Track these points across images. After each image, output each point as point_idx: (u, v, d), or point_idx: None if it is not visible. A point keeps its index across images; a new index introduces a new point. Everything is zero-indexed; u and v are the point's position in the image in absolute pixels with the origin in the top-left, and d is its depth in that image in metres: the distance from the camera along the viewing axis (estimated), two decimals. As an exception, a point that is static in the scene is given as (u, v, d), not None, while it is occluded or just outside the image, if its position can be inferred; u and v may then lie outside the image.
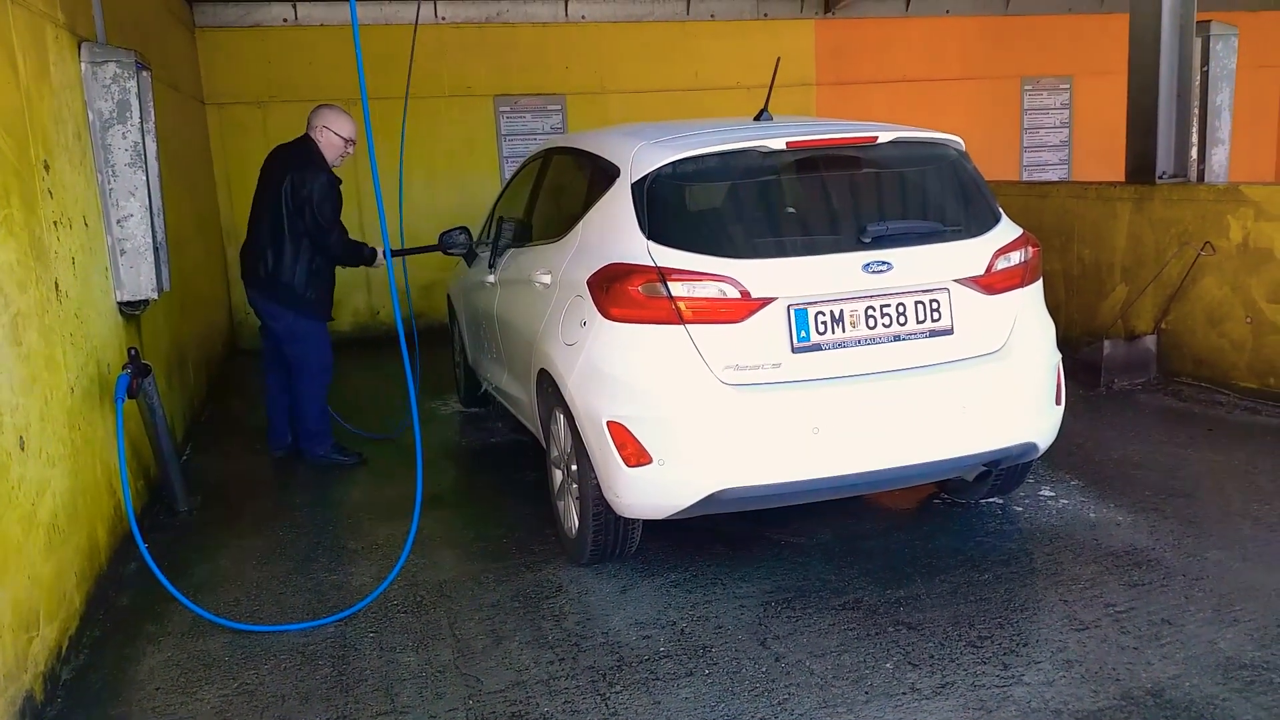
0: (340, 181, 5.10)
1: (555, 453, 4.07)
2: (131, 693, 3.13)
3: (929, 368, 3.54)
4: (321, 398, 5.29)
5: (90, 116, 4.23)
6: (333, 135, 5.11)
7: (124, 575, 3.97)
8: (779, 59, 4.47)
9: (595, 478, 3.61)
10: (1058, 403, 3.89)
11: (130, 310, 4.54)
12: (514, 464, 5.30)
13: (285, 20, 8.82)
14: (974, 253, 3.67)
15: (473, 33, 9.27)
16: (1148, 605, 3.36)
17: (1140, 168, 6.52)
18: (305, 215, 4.96)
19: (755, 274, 3.41)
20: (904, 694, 2.90)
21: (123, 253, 4.39)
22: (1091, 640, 3.15)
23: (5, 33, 3.30)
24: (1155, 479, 4.57)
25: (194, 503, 4.76)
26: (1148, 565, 3.67)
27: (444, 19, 9.15)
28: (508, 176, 9.30)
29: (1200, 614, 3.29)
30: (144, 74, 4.47)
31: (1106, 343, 6.27)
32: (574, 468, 3.80)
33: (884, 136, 3.77)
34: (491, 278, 5.07)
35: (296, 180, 4.94)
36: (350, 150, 5.22)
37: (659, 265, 3.44)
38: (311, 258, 5.07)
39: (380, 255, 5.22)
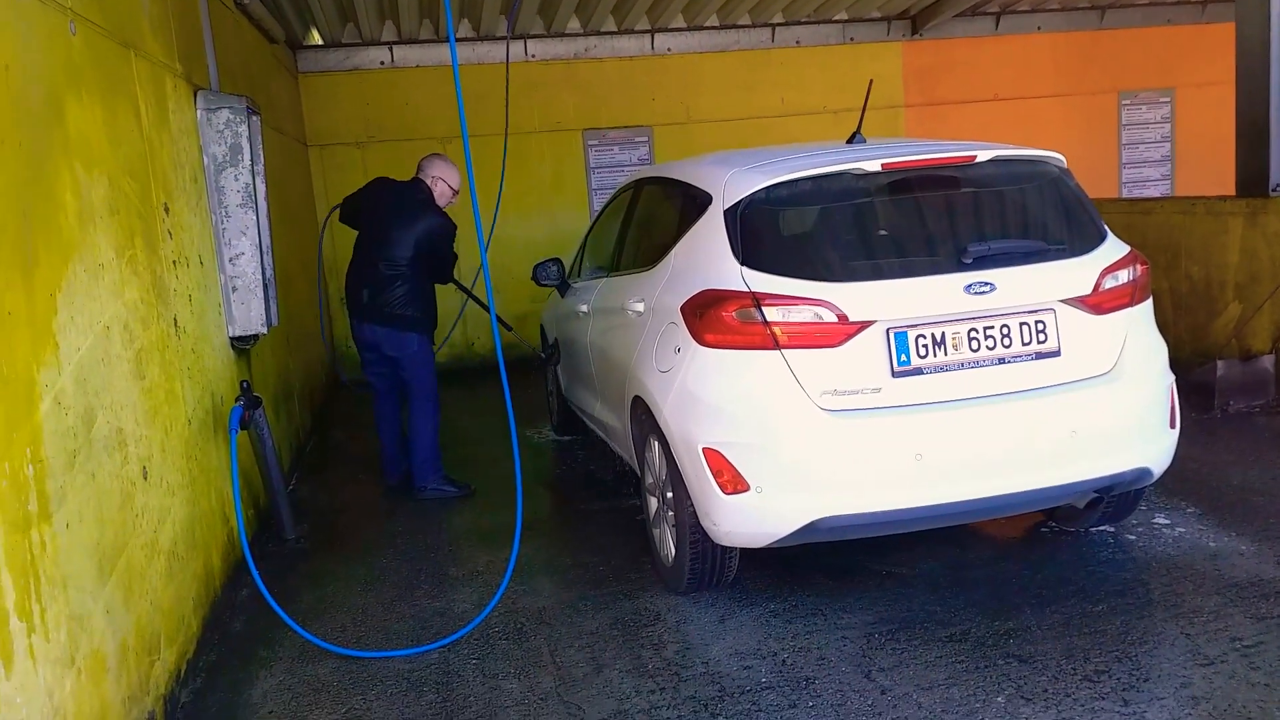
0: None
1: (650, 480, 4.07)
2: (247, 716, 3.23)
3: (1036, 391, 3.44)
4: (436, 424, 5.45)
5: (205, 160, 4.44)
6: (445, 186, 5.43)
7: (238, 601, 4.11)
8: (871, 81, 4.43)
9: (691, 505, 3.59)
10: (1172, 426, 3.74)
11: (241, 345, 4.72)
12: (609, 491, 5.32)
13: (382, 63, 9.12)
14: (1080, 272, 3.57)
15: (561, 69, 9.44)
16: (1278, 640, 3.18)
17: (1252, 180, 6.25)
18: (432, 255, 5.25)
19: (852, 297, 3.37)
20: (1018, 729, 2.80)
21: (234, 290, 4.58)
22: (1219, 676, 3.00)
23: (129, 84, 3.49)
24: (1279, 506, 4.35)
25: (301, 531, 4.90)
26: (1276, 597, 3.48)
27: (534, 56, 9.34)
28: (596, 209, 9.46)
29: (1338, 649, 3.10)
30: (254, 119, 4.68)
31: (1220, 363, 6.00)
32: (669, 495, 3.80)
33: (983, 155, 3.70)
34: (585, 307, 5.13)
35: (426, 223, 5.23)
36: (455, 201, 5.52)
37: (753, 290, 3.43)
38: (426, 285, 5.34)
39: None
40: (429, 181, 5.39)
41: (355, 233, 5.51)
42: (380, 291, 5.23)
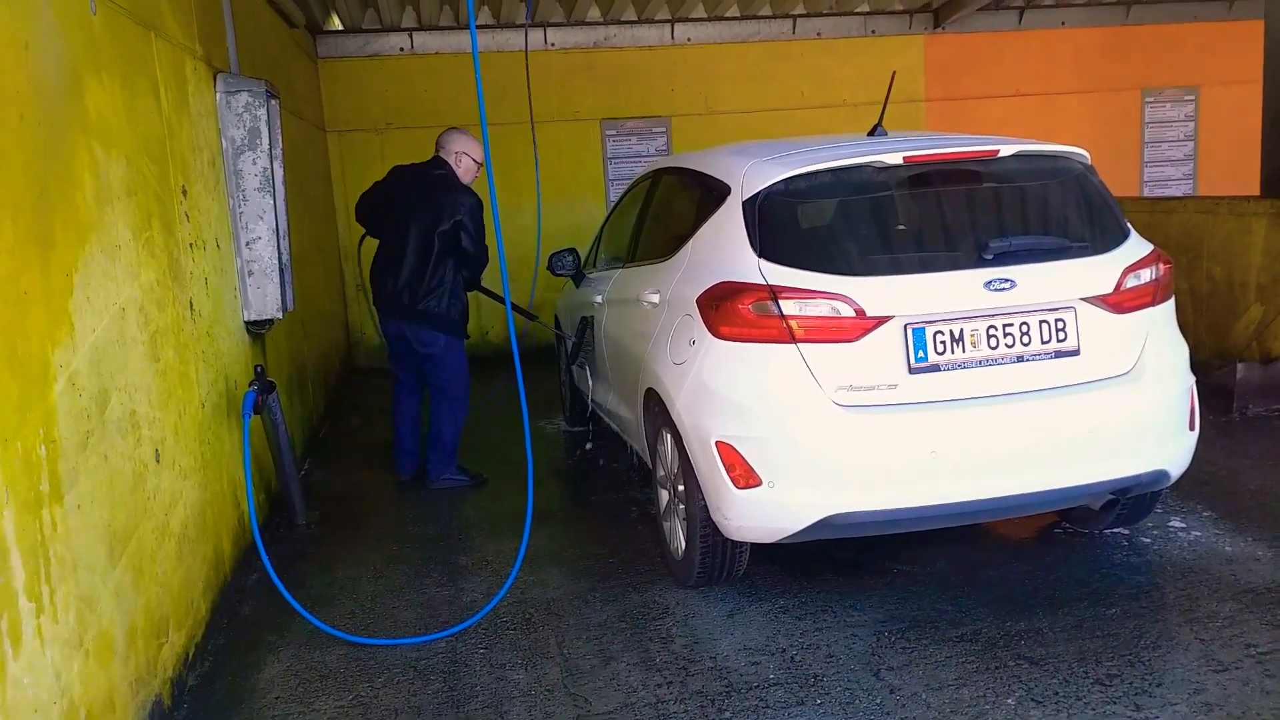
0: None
1: (662, 473, 4.05)
2: (253, 701, 3.23)
3: (1054, 390, 3.40)
4: (461, 425, 5.35)
5: (223, 143, 4.44)
6: (470, 160, 5.21)
7: (247, 585, 4.12)
8: (894, 73, 4.39)
9: (703, 499, 3.58)
10: (1191, 428, 3.69)
11: (256, 329, 4.73)
12: (620, 483, 5.31)
13: (402, 50, 9.11)
14: (1102, 270, 3.52)
15: (580, 58, 9.41)
16: (1295, 647, 3.15)
17: (1277, 180, 6.17)
18: (461, 239, 5.02)
19: (870, 292, 3.34)
20: (1029, 732, 2.78)
21: (251, 274, 4.58)
22: (1233, 682, 2.96)
23: (149, 65, 3.49)
24: (1299, 511, 4.30)
25: (312, 517, 4.91)
26: (1294, 604, 3.44)
27: (553, 45, 9.31)
28: (613, 199, 9.43)
29: (1356, 658, 3.06)
30: (273, 102, 4.67)
31: (1240, 365, 5.93)
32: (681, 488, 3.78)
33: (1005, 150, 3.66)
34: (600, 298, 5.11)
35: (451, 205, 4.99)
36: (479, 173, 5.27)
37: (770, 283, 3.40)
38: (456, 278, 5.12)
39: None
40: (451, 159, 5.18)
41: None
42: (410, 285, 5.03)
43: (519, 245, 9.03)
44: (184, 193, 3.76)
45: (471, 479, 5.40)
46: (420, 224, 5.00)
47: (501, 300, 5.24)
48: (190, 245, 3.79)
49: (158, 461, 3.20)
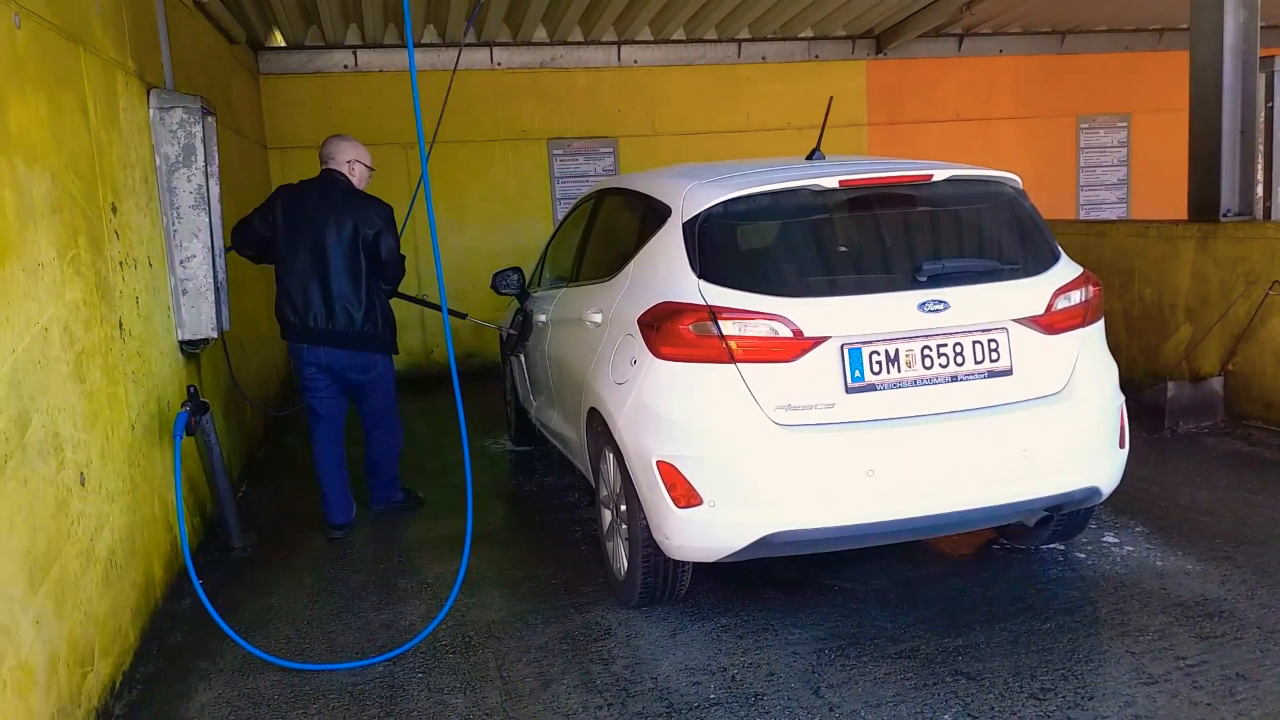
0: None
1: (605, 493, 4.04)
2: (182, 729, 3.14)
3: (988, 409, 3.46)
4: (401, 440, 5.16)
5: (157, 160, 4.36)
6: (363, 167, 4.93)
7: (179, 611, 4.01)
8: (831, 98, 4.47)
9: (645, 518, 3.57)
10: (1121, 446, 3.78)
11: (191, 349, 4.63)
12: (564, 503, 5.28)
13: (346, 67, 9.05)
14: (1033, 292, 3.60)
15: (527, 78, 9.42)
16: (1220, 659, 3.22)
17: (1203, 205, 6.37)
18: (381, 249, 4.74)
19: (808, 313, 3.37)
20: (964, 748, 2.80)
21: (185, 292, 4.49)
22: (1161, 695, 3.02)
23: (77, 80, 3.42)
24: (1225, 526, 4.40)
25: (249, 539, 4.81)
26: (1220, 616, 3.52)
27: (499, 64, 9.32)
28: (560, 218, 9.43)
29: (1277, 668, 3.14)
30: (209, 119, 4.60)
31: (1170, 384, 6.09)
32: (623, 508, 3.77)
33: (939, 174, 3.73)
34: (544, 317, 5.10)
35: (369, 215, 4.72)
36: (371, 179, 5.02)
37: (710, 304, 3.42)
38: (383, 295, 4.86)
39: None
40: (344, 168, 4.85)
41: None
42: (345, 308, 4.68)
43: (466, 265, 9.02)
44: (114, 210, 3.68)
45: (405, 498, 5.26)
46: (342, 239, 4.66)
47: (423, 303, 5.19)
48: (120, 263, 3.71)
49: (83, 485, 3.11)
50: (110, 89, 3.79)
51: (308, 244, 4.68)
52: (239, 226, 4.90)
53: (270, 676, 3.46)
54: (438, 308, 4.82)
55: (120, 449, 3.55)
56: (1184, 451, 5.67)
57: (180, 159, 4.40)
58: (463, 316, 5.94)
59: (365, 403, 4.98)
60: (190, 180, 4.42)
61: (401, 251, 4.91)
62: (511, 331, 5.47)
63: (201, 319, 4.53)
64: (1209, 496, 4.82)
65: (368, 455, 5.13)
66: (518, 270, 5.52)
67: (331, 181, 4.82)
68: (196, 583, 3.63)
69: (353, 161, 4.88)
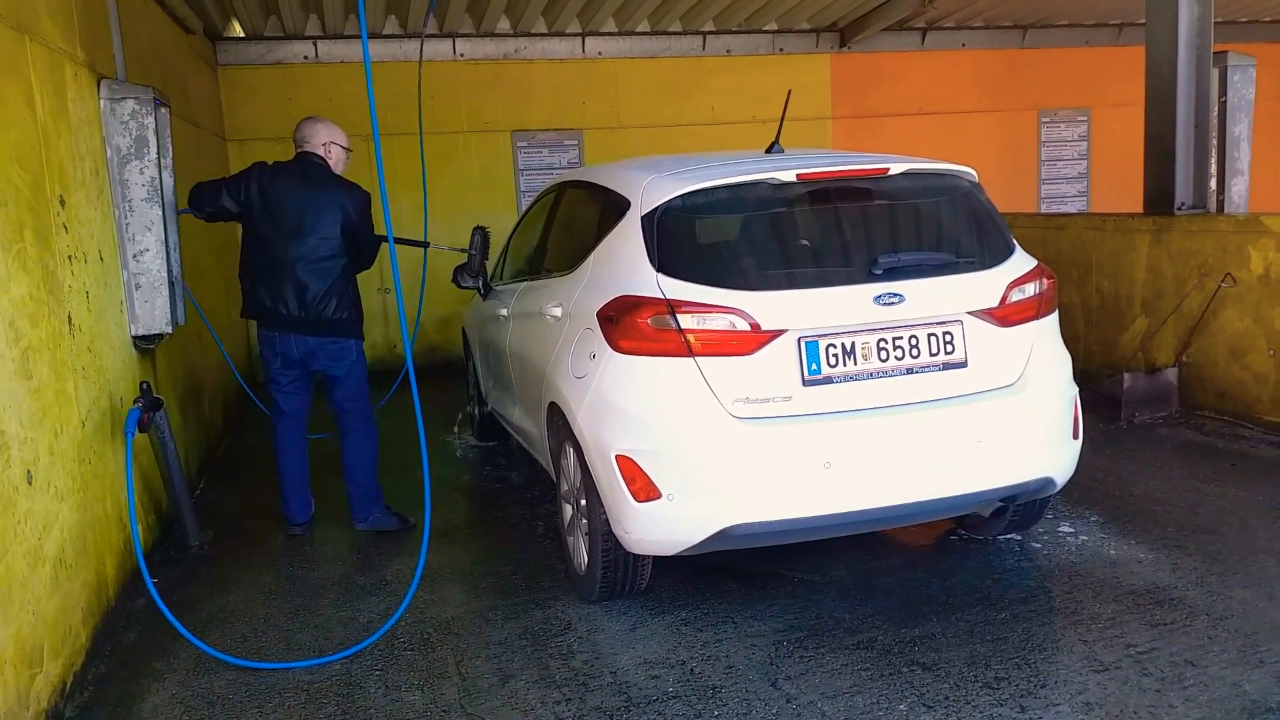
0: None
1: (565, 487, 4.03)
2: (134, 730, 3.10)
3: (943, 401, 3.49)
4: (377, 441, 4.90)
5: (108, 152, 4.28)
6: (340, 149, 4.80)
7: (132, 610, 3.96)
8: (790, 91, 4.48)
9: (604, 513, 3.57)
10: (1075, 437, 3.83)
11: (145, 344, 4.56)
12: (526, 498, 5.26)
13: (306, 58, 8.94)
14: (988, 285, 3.63)
15: (490, 69, 9.36)
16: (1170, 646, 3.27)
17: (1158, 199, 6.46)
18: (360, 235, 4.67)
19: (765, 306, 3.38)
20: (918, 737, 2.83)
21: (138, 287, 4.42)
22: (1112, 682, 3.07)
23: (23, 70, 3.35)
24: (1178, 515, 4.48)
25: (206, 537, 4.74)
26: (1170, 604, 3.58)
27: (463, 55, 9.25)
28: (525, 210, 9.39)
29: (1224, 655, 3.20)
30: (162, 110, 4.53)
31: (1126, 376, 6.18)
32: (583, 502, 3.76)
33: (896, 168, 3.75)
34: (505, 310, 5.07)
35: (347, 199, 4.61)
36: (349, 161, 4.92)
37: (668, 297, 3.42)
38: (354, 279, 4.74)
39: None
40: (321, 150, 4.71)
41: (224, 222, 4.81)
42: (310, 294, 4.52)
43: (429, 256, 8.94)
44: (62, 203, 3.61)
45: (401, 522, 4.87)
46: (320, 224, 4.52)
47: (415, 244, 5.33)
48: (69, 257, 3.64)
49: (30, 483, 3.05)
50: (58, 79, 3.72)
51: (284, 228, 4.53)
52: (201, 190, 4.67)
53: (225, 676, 3.42)
54: (420, 244, 5.12)
55: (70, 446, 3.49)
56: (1139, 442, 5.75)
57: (132, 151, 4.32)
58: (443, 248, 5.78)
59: (336, 390, 4.77)
60: (143, 173, 4.35)
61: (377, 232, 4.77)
62: (472, 253, 5.33)
63: (155, 314, 4.46)
64: (1162, 486, 4.90)
65: (344, 460, 4.84)
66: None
67: (308, 165, 4.69)
68: (149, 581, 3.58)
69: (329, 144, 4.74)
